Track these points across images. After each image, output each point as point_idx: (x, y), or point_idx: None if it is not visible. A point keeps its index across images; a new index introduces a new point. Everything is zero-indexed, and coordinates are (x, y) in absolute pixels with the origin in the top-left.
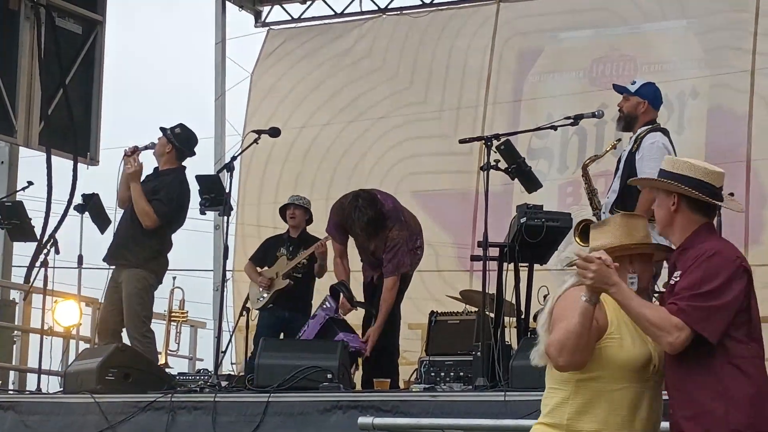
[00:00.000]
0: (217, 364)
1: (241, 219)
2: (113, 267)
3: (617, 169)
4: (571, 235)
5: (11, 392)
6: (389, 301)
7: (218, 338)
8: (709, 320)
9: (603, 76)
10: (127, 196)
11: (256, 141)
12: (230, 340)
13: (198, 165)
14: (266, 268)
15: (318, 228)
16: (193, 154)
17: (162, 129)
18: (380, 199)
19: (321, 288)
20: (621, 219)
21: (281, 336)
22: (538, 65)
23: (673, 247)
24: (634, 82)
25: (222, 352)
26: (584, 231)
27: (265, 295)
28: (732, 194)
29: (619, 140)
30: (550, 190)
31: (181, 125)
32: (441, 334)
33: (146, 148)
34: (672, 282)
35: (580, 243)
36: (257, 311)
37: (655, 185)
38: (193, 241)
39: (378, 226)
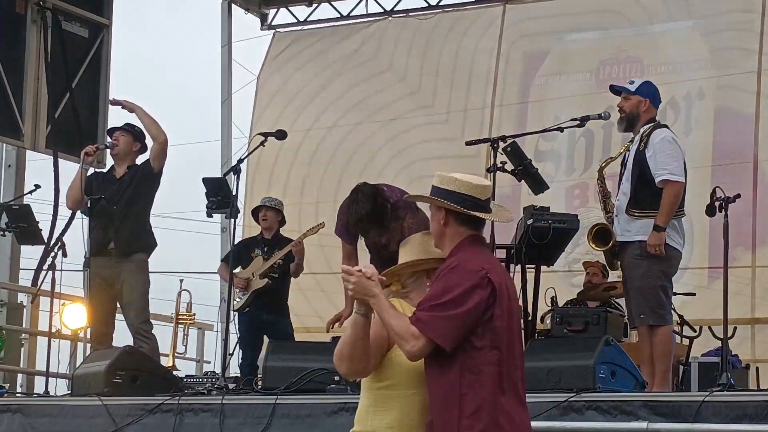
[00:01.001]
0: (225, 367)
1: (247, 222)
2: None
3: (623, 171)
4: (578, 236)
5: (19, 395)
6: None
7: (225, 340)
8: (445, 329)
9: (610, 77)
10: (80, 197)
11: (262, 144)
12: (237, 342)
13: (205, 168)
14: (239, 269)
15: (328, 230)
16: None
17: (124, 127)
18: (385, 192)
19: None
20: (420, 237)
21: (264, 338)
22: (544, 67)
23: None
24: (632, 82)
25: (229, 354)
26: (597, 235)
27: (242, 296)
28: (739, 195)
29: (631, 141)
30: (557, 192)
31: (129, 124)
32: None
33: (106, 147)
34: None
35: (594, 247)
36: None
37: (424, 201)
38: (200, 243)
39: (382, 218)
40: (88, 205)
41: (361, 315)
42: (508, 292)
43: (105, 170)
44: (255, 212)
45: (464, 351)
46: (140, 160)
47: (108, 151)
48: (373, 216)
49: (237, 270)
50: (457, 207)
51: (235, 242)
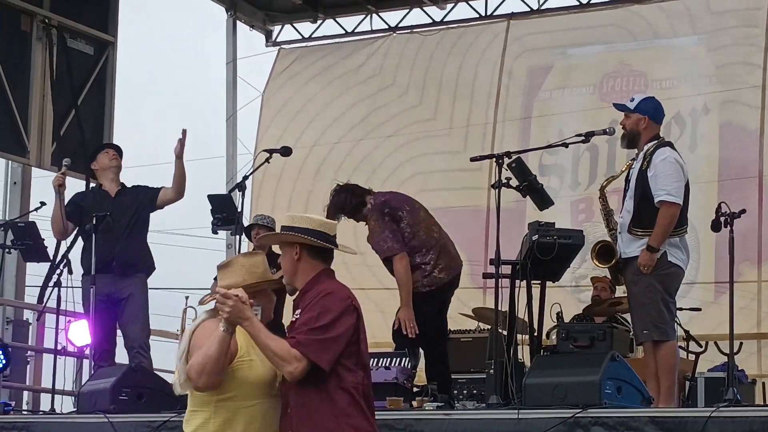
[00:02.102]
0: None
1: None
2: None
3: (627, 188)
4: (584, 252)
5: (25, 412)
6: (402, 280)
7: None
8: (324, 351)
9: (613, 91)
10: (63, 228)
11: (267, 160)
12: None
13: (210, 184)
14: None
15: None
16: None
17: (110, 146)
18: (357, 190)
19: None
20: (243, 259)
21: None
22: (548, 81)
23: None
24: (632, 99)
25: None
26: (601, 252)
27: None
28: (744, 211)
29: (634, 159)
30: (562, 207)
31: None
32: (454, 352)
33: (65, 166)
34: (293, 319)
35: (598, 264)
36: None
37: (280, 239)
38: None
39: (342, 211)
40: (94, 222)
41: (228, 333)
42: (362, 317)
43: (93, 187)
44: (247, 230)
45: (335, 371)
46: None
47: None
48: (334, 208)
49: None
50: (312, 240)
51: None
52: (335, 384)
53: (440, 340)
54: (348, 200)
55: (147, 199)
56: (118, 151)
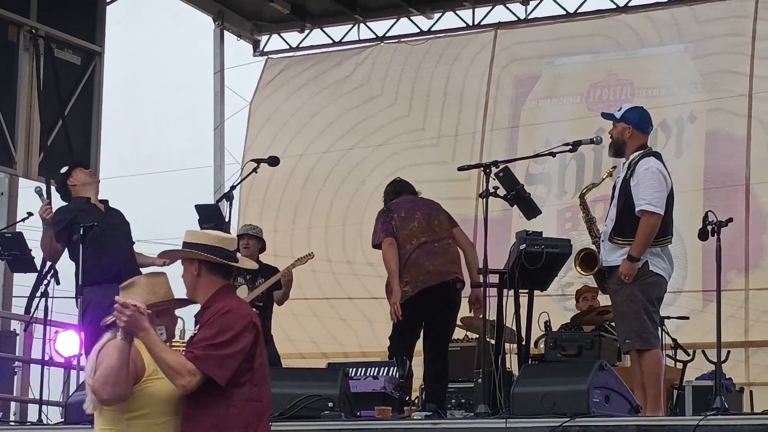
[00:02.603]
0: None
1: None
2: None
3: (612, 196)
4: (571, 260)
5: (13, 423)
6: (385, 264)
7: None
8: (220, 367)
9: (600, 101)
10: (56, 251)
11: (255, 170)
12: None
13: (197, 194)
14: None
15: (320, 256)
16: None
17: (78, 164)
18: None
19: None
20: (145, 279)
21: None
22: (535, 91)
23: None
24: (620, 108)
25: None
26: (584, 260)
27: None
28: (731, 219)
29: (615, 167)
30: (549, 215)
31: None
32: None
33: (41, 195)
34: (193, 334)
35: (581, 272)
36: None
37: (180, 255)
38: None
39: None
40: (81, 233)
41: (127, 342)
42: (262, 334)
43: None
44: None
45: (230, 387)
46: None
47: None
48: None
49: None
50: (210, 257)
51: None
52: (227, 399)
53: (432, 352)
54: (385, 194)
55: (126, 224)
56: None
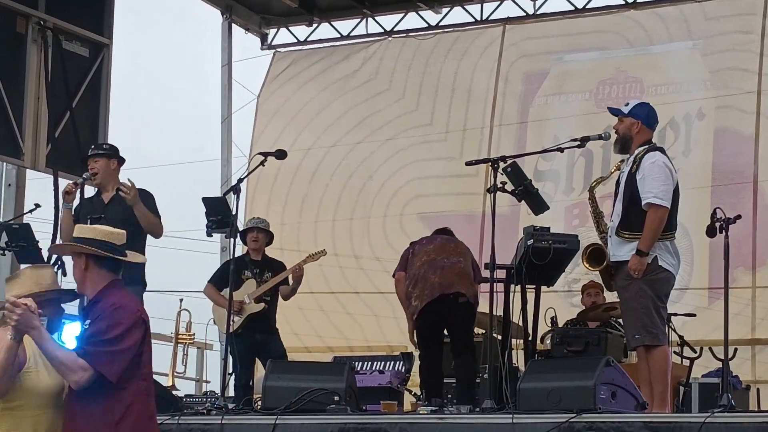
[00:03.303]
0: (224, 386)
1: None
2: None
3: (617, 192)
4: (578, 256)
5: None
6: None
7: (225, 360)
8: (111, 362)
9: (609, 98)
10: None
11: (262, 163)
12: (235, 362)
13: (204, 187)
14: (224, 291)
15: (340, 248)
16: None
17: (97, 153)
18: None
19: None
20: (30, 271)
21: (256, 360)
22: (544, 87)
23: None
24: (627, 104)
25: (229, 374)
26: (592, 255)
27: (237, 318)
28: (739, 216)
29: (623, 161)
30: (557, 211)
31: (99, 147)
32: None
33: (84, 180)
34: (83, 329)
35: (589, 267)
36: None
37: (68, 251)
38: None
39: None
40: (89, 224)
41: (16, 341)
42: (149, 330)
43: (92, 194)
44: (243, 234)
45: (120, 382)
46: (122, 176)
47: (88, 182)
48: None
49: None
50: (96, 251)
51: (223, 263)
52: (116, 394)
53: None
54: None
55: (131, 215)
56: (102, 156)
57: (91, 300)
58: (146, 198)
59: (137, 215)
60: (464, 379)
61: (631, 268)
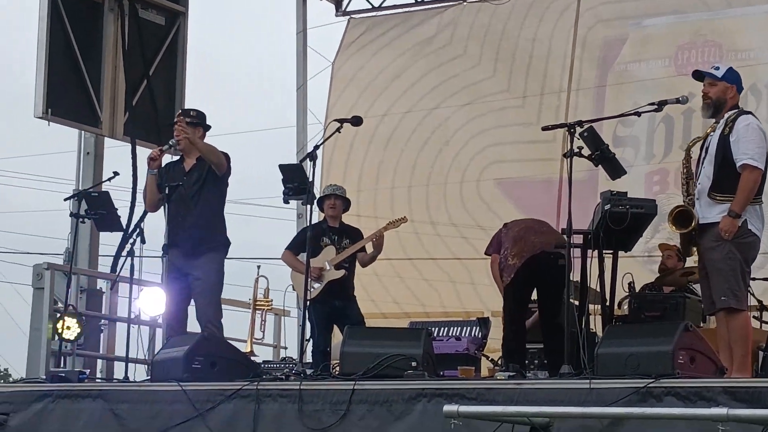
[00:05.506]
0: (302, 352)
1: None
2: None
3: (704, 156)
4: (657, 222)
5: (99, 380)
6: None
7: (302, 326)
8: None
9: (688, 62)
10: (155, 200)
11: (338, 130)
12: (314, 328)
13: (280, 154)
14: (301, 256)
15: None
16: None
17: (189, 115)
18: None
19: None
20: None
21: (334, 326)
22: (623, 54)
23: None
24: (717, 68)
25: (306, 340)
26: (678, 218)
27: (316, 285)
28: None
29: (716, 123)
30: (637, 178)
31: (184, 112)
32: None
33: (170, 147)
34: None
35: (675, 229)
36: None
37: None
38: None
39: None
40: (167, 192)
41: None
42: None
43: (177, 159)
44: (320, 200)
45: None
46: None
47: (173, 148)
48: None
49: (301, 257)
50: None
51: (300, 230)
52: None
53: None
54: None
55: (207, 173)
56: (197, 118)
57: None
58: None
59: (200, 152)
60: (555, 342)
61: (723, 230)
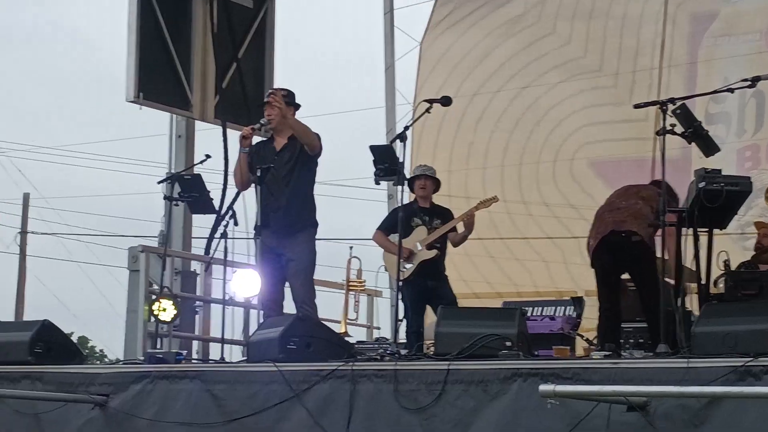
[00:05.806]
0: (396, 332)
1: None
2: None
3: None
4: (751, 199)
5: (195, 361)
6: None
7: (396, 307)
8: None
9: None
10: (246, 180)
11: (428, 110)
12: (407, 308)
13: (370, 135)
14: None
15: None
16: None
17: (279, 95)
18: None
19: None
20: None
21: (426, 306)
22: (712, 29)
23: None
24: None
25: (399, 320)
26: None
27: (408, 265)
28: None
29: None
30: (728, 154)
31: (278, 88)
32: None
33: (261, 126)
34: None
35: None
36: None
37: None
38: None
39: None
40: (258, 174)
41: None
42: None
43: (267, 139)
44: (411, 181)
45: None
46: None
47: (265, 127)
48: None
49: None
50: None
51: (391, 210)
52: None
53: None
54: None
55: (299, 152)
56: (288, 98)
57: None
58: None
59: (293, 130)
60: (647, 321)
61: None
